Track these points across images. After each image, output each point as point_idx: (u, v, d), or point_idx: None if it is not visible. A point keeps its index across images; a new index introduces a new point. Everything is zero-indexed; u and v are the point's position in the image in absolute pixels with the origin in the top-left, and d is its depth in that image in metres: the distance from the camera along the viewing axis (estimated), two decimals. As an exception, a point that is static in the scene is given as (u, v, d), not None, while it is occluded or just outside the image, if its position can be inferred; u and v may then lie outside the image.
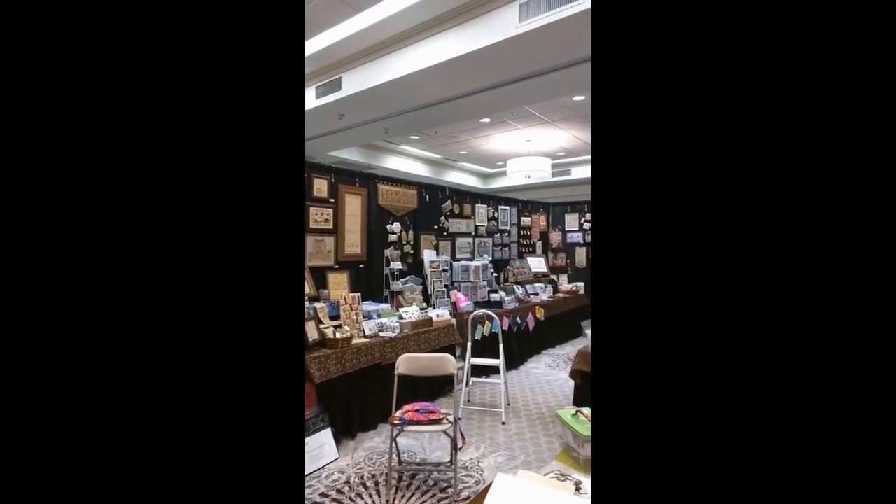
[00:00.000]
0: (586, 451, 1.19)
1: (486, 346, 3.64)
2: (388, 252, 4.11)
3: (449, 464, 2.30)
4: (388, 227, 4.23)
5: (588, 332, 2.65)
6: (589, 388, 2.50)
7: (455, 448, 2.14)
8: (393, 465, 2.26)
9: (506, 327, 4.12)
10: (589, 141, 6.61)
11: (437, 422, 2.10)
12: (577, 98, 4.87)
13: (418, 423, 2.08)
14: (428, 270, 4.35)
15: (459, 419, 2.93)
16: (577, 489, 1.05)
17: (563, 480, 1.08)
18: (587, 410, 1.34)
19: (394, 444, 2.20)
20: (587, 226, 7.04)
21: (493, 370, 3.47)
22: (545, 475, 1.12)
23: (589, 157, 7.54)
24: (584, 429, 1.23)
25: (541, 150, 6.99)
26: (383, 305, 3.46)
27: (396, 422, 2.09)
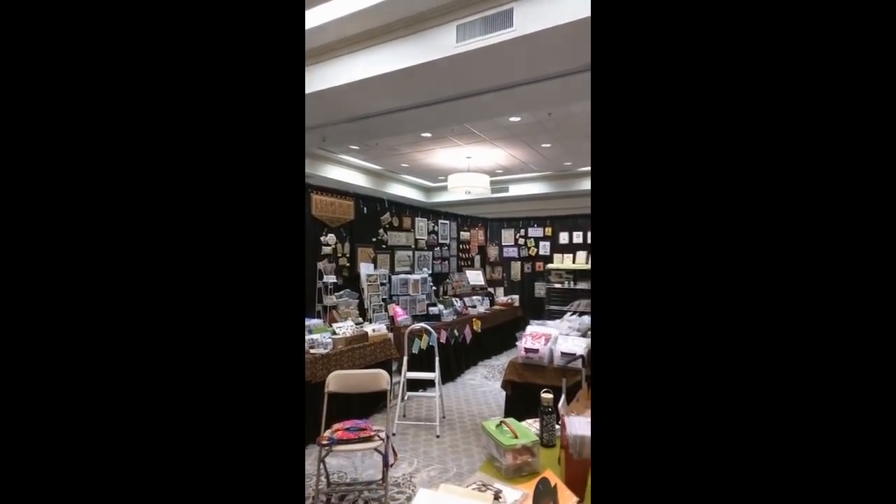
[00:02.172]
0: (507, 460, 1.23)
1: (423, 360, 3.63)
2: (321, 265, 3.98)
3: (380, 482, 2.24)
4: (322, 238, 4.11)
5: (518, 343, 2.74)
6: (518, 398, 2.58)
7: (386, 465, 2.09)
8: (321, 487, 2.16)
9: (443, 340, 4.14)
10: (524, 160, 6.95)
11: (369, 439, 2.04)
12: (514, 119, 5.11)
13: (348, 441, 2.01)
14: (365, 284, 4.27)
15: (394, 435, 2.88)
16: (496, 498, 1.07)
17: (484, 491, 1.10)
18: (511, 421, 1.38)
19: (322, 466, 2.11)
20: (521, 241, 7.34)
21: (431, 383, 3.46)
22: (468, 487, 1.13)
23: (523, 175, 7.91)
24: (507, 439, 1.26)
25: (480, 167, 7.21)
26: (315, 321, 3.33)
27: (325, 442, 2.00)
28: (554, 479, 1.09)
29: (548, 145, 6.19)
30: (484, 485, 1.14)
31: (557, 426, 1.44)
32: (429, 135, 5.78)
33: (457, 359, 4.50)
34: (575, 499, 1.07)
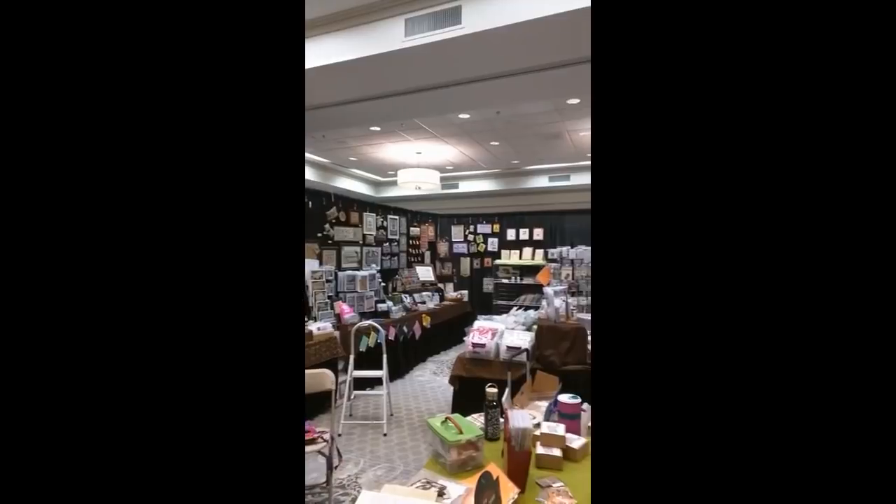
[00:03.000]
0: (452, 455, 1.24)
1: (371, 358, 3.57)
2: (264, 261, 3.77)
3: (324, 484, 2.18)
4: (265, 233, 3.90)
5: (466, 338, 2.78)
6: (465, 393, 2.62)
7: (330, 467, 2.04)
8: (260, 495, 2.06)
9: (392, 337, 4.11)
10: (473, 157, 7.03)
11: (312, 441, 1.98)
12: (463, 116, 5.14)
13: (289, 446, 1.93)
14: (309, 281, 4.11)
15: (339, 435, 2.81)
16: (441, 494, 1.07)
17: (429, 488, 1.10)
18: (456, 416, 1.39)
19: (261, 473, 2.01)
20: (471, 237, 7.45)
21: (378, 381, 3.42)
22: (412, 485, 1.13)
23: (472, 172, 8.01)
24: (451, 434, 1.27)
25: (430, 163, 7.19)
26: (256, 319, 3.15)
27: (264, 447, 1.90)
28: (496, 471, 1.11)
29: (496, 143, 6.30)
30: (428, 482, 1.14)
31: (502, 420, 1.48)
32: (377, 128, 5.67)
33: (405, 355, 4.48)
34: (516, 490, 1.10)
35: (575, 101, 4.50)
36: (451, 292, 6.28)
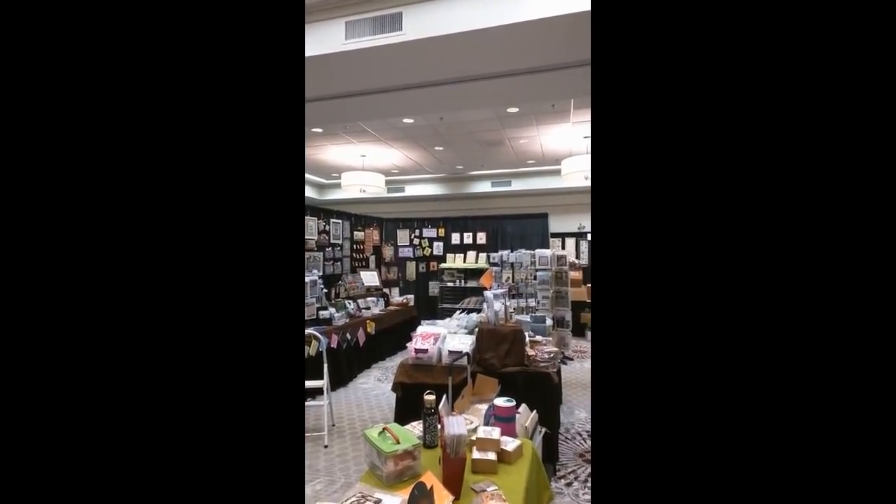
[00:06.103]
0: (389, 467, 1.23)
1: (312, 367, 3.44)
2: (192, 268, 3.52)
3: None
4: (194, 238, 3.64)
5: (409, 344, 2.78)
6: (408, 399, 2.61)
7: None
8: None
9: (335, 344, 4.00)
10: (419, 162, 7.05)
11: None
12: (407, 121, 5.14)
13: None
14: (245, 288, 3.89)
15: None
16: (375, 509, 1.07)
17: (363, 502, 1.09)
18: (393, 426, 1.39)
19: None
20: (417, 241, 7.46)
21: (320, 391, 3.31)
22: (346, 501, 1.11)
23: (418, 176, 8.03)
24: (388, 445, 1.27)
25: (375, 166, 7.11)
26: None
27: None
28: (431, 480, 1.12)
29: (441, 149, 6.37)
30: (363, 496, 1.13)
31: (440, 426, 1.49)
32: (319, 130, 5.51)
33: (349, 363, 4.38)
34: (450, 497, 1.12)
35: (514, 109, 4.68)
36: (396, 297, 6.24)
